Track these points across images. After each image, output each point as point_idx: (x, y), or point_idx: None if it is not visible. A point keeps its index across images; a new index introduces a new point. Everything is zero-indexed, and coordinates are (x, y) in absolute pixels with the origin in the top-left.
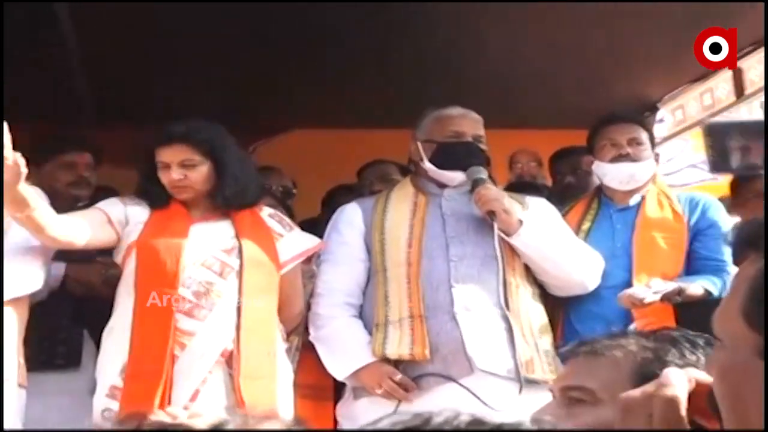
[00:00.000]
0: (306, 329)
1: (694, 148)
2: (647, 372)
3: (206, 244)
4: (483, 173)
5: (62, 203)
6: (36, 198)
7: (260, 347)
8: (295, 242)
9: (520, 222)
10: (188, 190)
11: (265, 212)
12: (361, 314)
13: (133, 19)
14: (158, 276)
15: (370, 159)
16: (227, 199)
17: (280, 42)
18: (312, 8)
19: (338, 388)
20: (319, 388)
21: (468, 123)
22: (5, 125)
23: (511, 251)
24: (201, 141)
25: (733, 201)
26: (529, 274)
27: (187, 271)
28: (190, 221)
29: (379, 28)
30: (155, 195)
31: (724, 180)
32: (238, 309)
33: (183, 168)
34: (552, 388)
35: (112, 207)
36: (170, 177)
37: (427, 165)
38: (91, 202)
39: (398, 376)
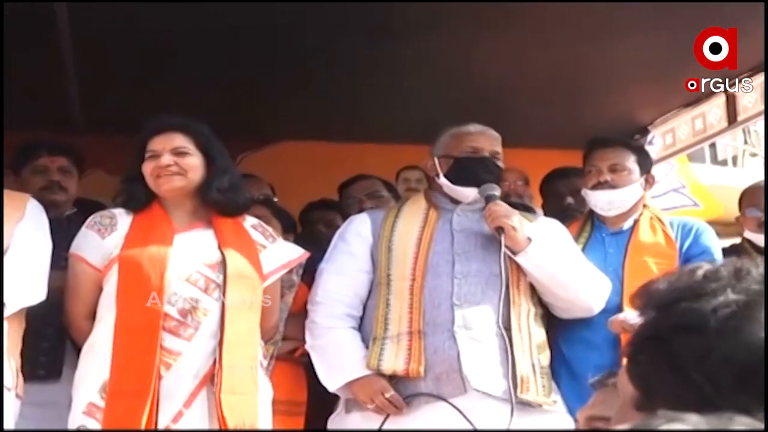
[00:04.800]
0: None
1: (678, 172)
2: None
3: (190, 257)
4: (496, 190)
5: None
6: None
7: (242, 362)
8: (278, 253)
9: (529, 240)
10: (178, 178)
11: (248, 222)
12: (361, 327)
13: (126, 27)
14: (142, 292)
15: (356, 173)
16: (219, 192)
17: (270, 54)
18: (305, 23)
19: (313, 405)
20: (292, 404)
21: (485, 139)
22: None
23: (517, 270)
24: (197, 133)
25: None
26: (534, 294)
27: (173, 286)
28: (173, 230)
29: (369, 44)
30: (136, 194)
31: (704, 207)
32: (221, 325)
33: (175, 155)
34: (577, 416)
35: (89, 250)
36: (158, 163)
37: (443, 180)
38: (78, 212)
39: (389, 393)
